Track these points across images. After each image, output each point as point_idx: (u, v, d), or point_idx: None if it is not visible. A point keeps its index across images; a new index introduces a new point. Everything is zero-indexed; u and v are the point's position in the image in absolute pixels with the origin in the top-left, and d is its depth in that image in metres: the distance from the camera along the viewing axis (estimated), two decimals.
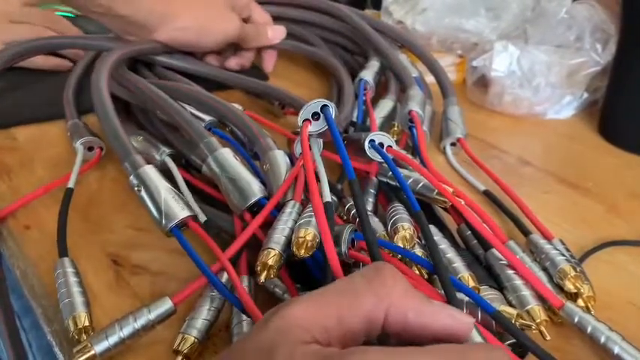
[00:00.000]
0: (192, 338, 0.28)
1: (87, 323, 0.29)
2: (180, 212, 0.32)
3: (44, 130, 0.51)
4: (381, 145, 0.36)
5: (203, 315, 0.29)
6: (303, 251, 0.29)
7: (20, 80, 0.56)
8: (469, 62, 0.57)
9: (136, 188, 0.33)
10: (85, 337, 0.29)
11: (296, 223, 0.31)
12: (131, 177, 0.34)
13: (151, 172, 0.34)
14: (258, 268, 0.29)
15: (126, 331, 0.28)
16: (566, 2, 0.56)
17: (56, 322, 0.31)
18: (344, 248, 0.29)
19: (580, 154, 0.51)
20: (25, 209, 0.40)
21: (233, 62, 0.59)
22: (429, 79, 0.55)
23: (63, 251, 0.34)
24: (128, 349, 0.29)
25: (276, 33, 0.60)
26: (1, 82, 0.55)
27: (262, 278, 0.28)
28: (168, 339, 0.29)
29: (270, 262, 0.29)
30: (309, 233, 0.29)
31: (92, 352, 0.27)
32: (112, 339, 0.27)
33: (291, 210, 0.32)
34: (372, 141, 0.36)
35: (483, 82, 0.57)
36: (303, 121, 0.35)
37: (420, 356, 0.18)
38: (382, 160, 0.36)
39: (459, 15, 0.61)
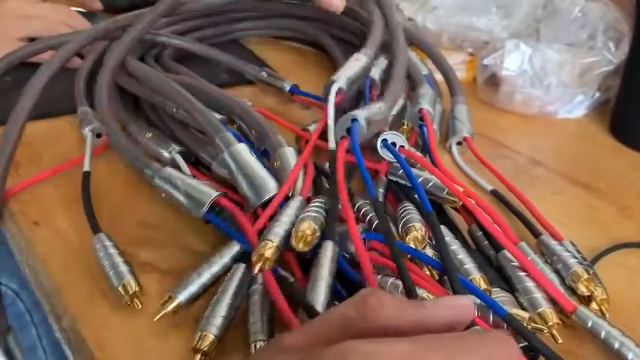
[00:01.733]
0: (212, 336, 0.28)
1: (137, 289, 0.31)
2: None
3: (53, 126, 0.51)
4: (394, 144, 0.36)
5: (221, 312, 0.29)
6: (301, 245, 0.29)
7: (26, 77, 0.56)
8: (480, 60, 0.57)
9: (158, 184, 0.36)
10: (138, 302, 0.31)
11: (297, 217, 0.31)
12: (156, 179, 0.36)
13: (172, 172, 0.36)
14: (254, 259, 0.28)
15: (204, 278, 0.30)
16: (579, 1, 0.56)
17: (64, 320, 0.31)
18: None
19: (591, 154, 0.50)
20: (34, 205, 0.40)
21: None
22: (438, 77, 0.55)
23: (96, 228, 0.36)
24: (145, 349, 0.29)
25: None
26: (7, 79, 0.54)
27: (256, 269, 0.28)
28: (182, 337, 0.29)
29: (267, 254, 0.28)
30: (309, 227, 0.29)
31: (176, 302, 0.29)
32: (193, 287, 0.30)
33: (294, 205, 0.32)
34: (384, 140, 0.36)
35: (494, 81, 0.56)
36: (341, 138, 0.36)
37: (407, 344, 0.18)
38: (394, 160, 0.36)
39: (469, 13, 0.61)
